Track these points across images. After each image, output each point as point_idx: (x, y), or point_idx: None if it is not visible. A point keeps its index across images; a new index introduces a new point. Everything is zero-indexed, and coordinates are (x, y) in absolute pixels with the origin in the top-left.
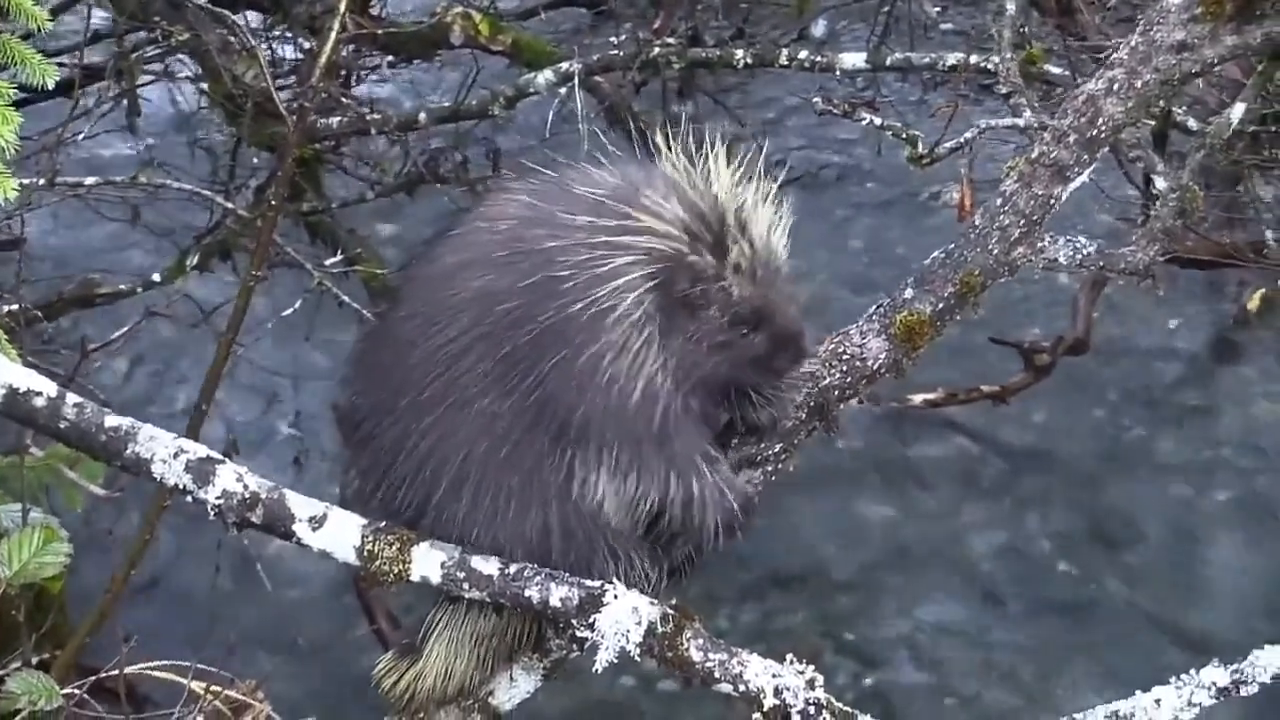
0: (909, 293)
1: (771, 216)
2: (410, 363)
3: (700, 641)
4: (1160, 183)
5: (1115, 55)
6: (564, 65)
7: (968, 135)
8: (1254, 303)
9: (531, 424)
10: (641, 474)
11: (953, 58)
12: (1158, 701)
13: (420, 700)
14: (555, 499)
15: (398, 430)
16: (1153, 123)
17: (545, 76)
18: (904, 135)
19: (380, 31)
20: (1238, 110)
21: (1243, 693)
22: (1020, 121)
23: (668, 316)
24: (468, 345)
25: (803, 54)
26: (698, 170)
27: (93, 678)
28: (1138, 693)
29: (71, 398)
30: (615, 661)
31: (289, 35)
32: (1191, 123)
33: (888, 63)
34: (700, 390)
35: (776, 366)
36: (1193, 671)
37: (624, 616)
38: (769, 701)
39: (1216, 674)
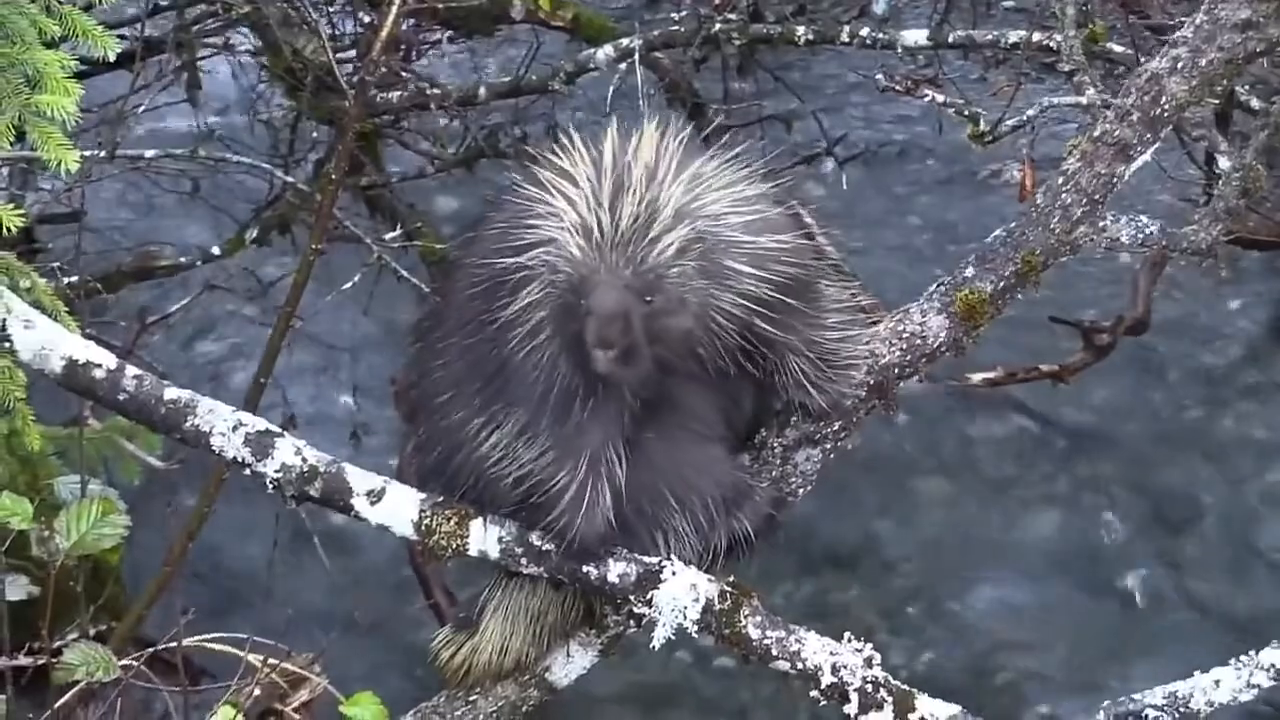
0: (970, 271)
1: (677, 195)
2: (442, 340)
3: (758, 619)
4: (1224, 162)
5: (1179, 34)
6: (624, 41)
7: (1030, 113)
8: None
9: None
10: (530, 443)
11: (1014, 35)
12: (1217, 682)
13: (476, 675)
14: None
15: (435, 405)
16: (1216, 102)
17: (605, 52)
18: (965, 113)
19: (441, 6)
20: None
21: None
22: (1083, 99)
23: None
24: (461, 310)
25: (864, 31)
26: (626, 143)
27: (150, 650)
28: (1196, 673)
29: (131, 370)
30: (672, 638)
31: (349, 9)
32: (1254, 102)
33: (949, 40)
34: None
35: (587, 341)
36: (1251, 653)
37: (681, 593)
38: (826, 679)
39: (1276, 656)
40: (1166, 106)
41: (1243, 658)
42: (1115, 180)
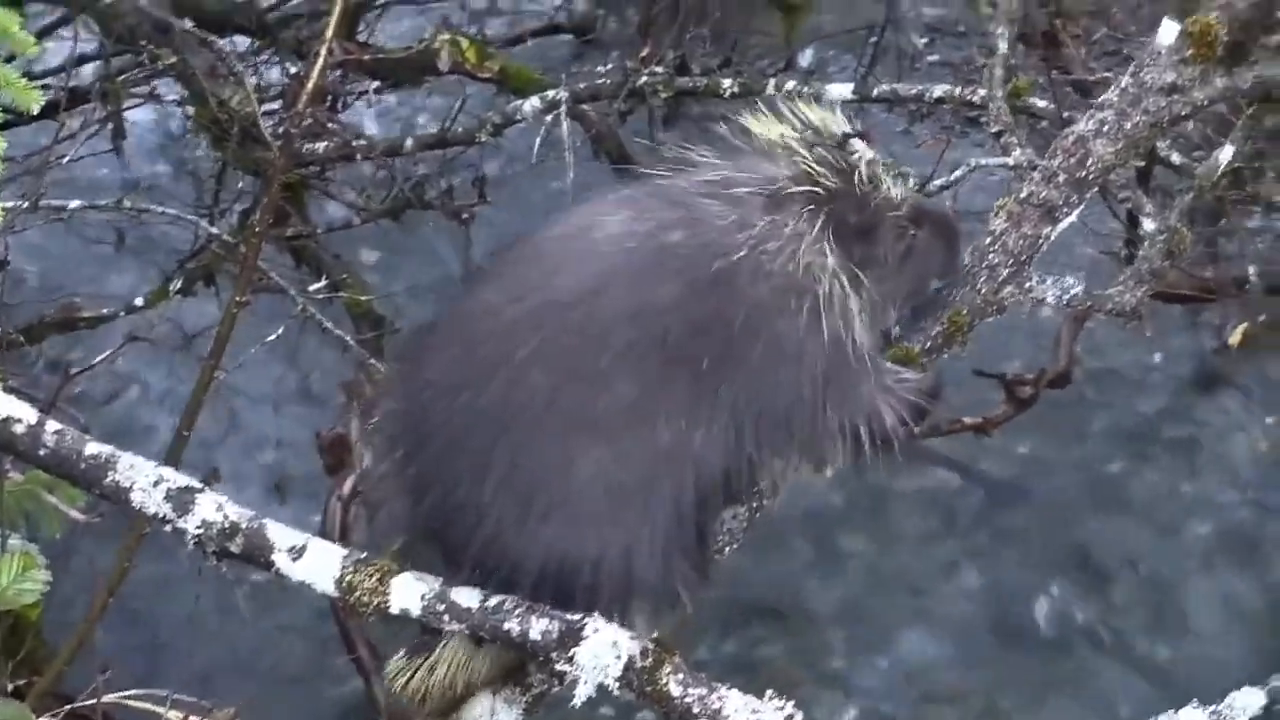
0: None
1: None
2: (529, 400)
3: (680, 676)
4: (1148, 224)
5: (1105, 96)
6: (551, 93)
7: (957, 174)
8: (1236, 338)
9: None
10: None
11: (939, 89)
12: None
13: (434, 695)
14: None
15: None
16: (1141, 162)
17: (532, 104)
18: (893, 173)
19: (368, 57)
20: (1226, 152)
21: None
22: (1010, 160)
23: (850, 253)
24: (616, 368)
25: (790, 84)
26: (788, 119)
27: (69, 706)
28: None
29: (51, 425)
30: (594, 696)
31: (276, 59)
32: (1175, 158)
33: (875, 94)
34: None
35: (948, 258)
36: (1171, 712)
37: (603, 651)
38: None
39: (1195, 715)
40: (1092, 169)
41: (1162, 717)
42: (1041, 241)
